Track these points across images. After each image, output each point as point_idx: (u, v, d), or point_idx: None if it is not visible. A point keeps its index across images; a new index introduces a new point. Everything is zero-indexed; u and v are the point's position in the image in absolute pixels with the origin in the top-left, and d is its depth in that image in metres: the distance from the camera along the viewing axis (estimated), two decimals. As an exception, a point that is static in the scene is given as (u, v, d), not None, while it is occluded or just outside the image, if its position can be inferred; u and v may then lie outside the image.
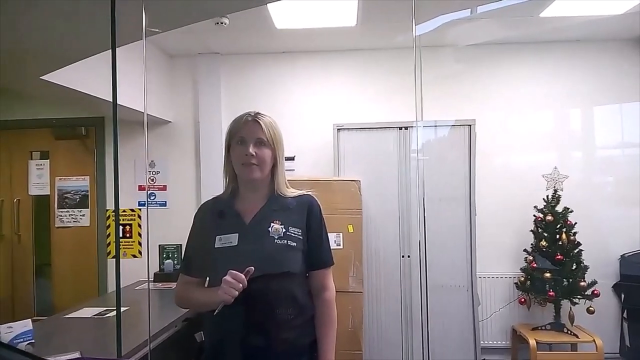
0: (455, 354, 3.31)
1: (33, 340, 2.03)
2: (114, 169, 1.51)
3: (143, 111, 3.57)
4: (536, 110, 3.82)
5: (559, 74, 3.78)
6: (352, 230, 3.07)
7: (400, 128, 3.44)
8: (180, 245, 3.88)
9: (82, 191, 4.06)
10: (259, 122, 1.49)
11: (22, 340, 1.99)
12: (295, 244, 1.47)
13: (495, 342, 3.69)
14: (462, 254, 3.37)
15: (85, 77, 2.83)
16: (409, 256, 3.39)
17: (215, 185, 3.69)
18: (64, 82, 2.59)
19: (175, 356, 3.02)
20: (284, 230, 1.46)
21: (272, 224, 1.47)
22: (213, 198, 1.62)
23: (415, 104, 2.51)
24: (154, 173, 4.02)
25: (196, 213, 1.61)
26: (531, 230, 3.55)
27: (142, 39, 1.57)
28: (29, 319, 2.08)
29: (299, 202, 1.54)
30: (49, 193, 4.04)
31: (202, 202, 1.63)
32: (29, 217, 4.12)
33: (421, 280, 3.29)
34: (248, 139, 1.47)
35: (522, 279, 3.53)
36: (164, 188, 4.00)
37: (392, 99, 3.75)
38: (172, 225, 3.92)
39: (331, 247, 1.59)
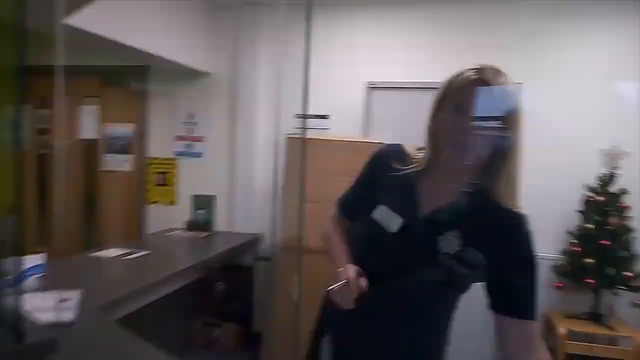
0: (474, 337, 3.12)
1: (43, 274, 2.11)
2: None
3: (183, 62, 3.62)
4: (601, 75, 3.35)
5: (633, 35, 3.27)
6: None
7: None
8: (215, 196, 3.90)
9: (126, 137, 4.22)
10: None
11: (31, 273, 2.10)
12: (468, 271, 1.05)
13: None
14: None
15: (116, 23, 2.86)
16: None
17: (249, 137, 3.73)
18: (89, 27, 2.63)
19: (192, 301, 3.14)
20: (459, 248, 1.06)
21: (448, 233, 1.07)
22: (401, 151, 1.24)
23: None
24: (192, 124, 4.07)
25: (372, 159, 1.29)
26: (579, 211, 3.22)
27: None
28: (44, 254, 2.17)
29: (498, 216, 1.07)
30: (97, 137, 4.25)
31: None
32: (79, 159, 4.36)
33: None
34: (469, 106, 1.03)
35: (562, 262, 3.24)
36: (200, 139, 4.05)
37: (430, 57, 3.45)
38: (206, 176, 4.02)
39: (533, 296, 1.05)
